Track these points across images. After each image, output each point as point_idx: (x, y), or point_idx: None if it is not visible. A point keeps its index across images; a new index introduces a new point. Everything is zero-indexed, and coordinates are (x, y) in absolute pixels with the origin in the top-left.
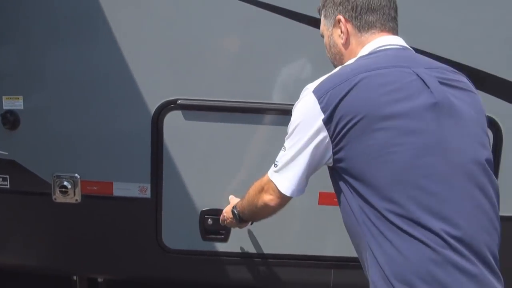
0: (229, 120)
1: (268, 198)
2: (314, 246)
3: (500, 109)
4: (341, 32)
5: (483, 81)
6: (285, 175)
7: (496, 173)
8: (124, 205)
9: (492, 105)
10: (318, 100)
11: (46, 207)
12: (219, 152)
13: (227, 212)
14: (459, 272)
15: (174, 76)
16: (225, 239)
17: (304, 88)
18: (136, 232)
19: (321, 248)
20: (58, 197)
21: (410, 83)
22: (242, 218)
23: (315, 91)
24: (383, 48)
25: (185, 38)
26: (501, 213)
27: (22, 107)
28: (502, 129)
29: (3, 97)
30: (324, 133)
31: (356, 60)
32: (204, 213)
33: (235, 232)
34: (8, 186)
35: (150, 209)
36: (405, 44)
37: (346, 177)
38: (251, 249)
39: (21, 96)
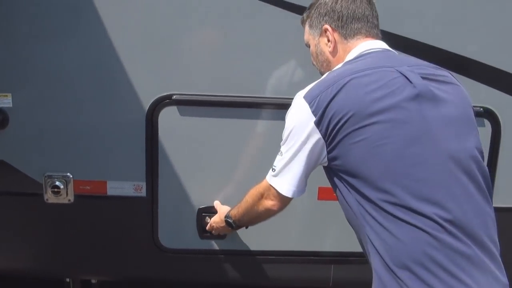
0: (226, 116)
1: (269, 203)
2: (313, 242)
3: (499, 100)
4: (328, 40)
5: (480, 71)
6: (284, 178)
7: (494, 164)
8: (119, 204)
9: (490, 96)
10: (309, 104)
11: (38, 208)
12: (216, 148)
13: (216, 222)
14: (454, 253)
15: (169, 70)
16: (223, 237)
17: (295, 96)
18: (132, 232)
19: (321, 243)
20: (50, 198)
21: (394, 80)
22: (238, 225)
23: (306, 97)
24: (368, 51)
25: (179, 31)
26: (502, 204)
27: (11, 105)
28: (500, 120)
29: None
30: (317, 135)
31: (343, 65)
32: (201, 211)
33: None
34: None
35: (146, 208)
36: (387, 47)
37: (341, 174)
38: (249, 246)
39: (10, 94)
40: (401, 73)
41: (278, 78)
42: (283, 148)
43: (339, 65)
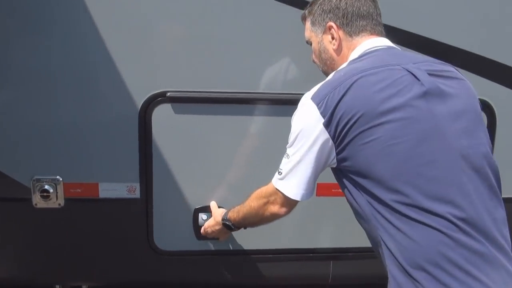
0: (223, 113)
1: (276, 208)
2: (312, 238)
3: (494, 93)
4: (333, 38)
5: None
6: (292, 181)
7: None
8: (112, 207)
9: (486, 88)
10: (317, 105)
11: (26, 214)
12: (212, 146)
13: (211, 226)
14: (468, 252)
15: (162, 67)
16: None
17: (302, 97)
18: (126, 234)
19: (319, 240)
20: (39, 202)
21: (401, 78)
22: (238, 227)
23: (314, 98)
24: (372, 49)
25: (173, 27)
26: None
27: None
28: (495, 112)
29: None
30: (326, 136)
31: (348, 64)
32: (197, 211)
33: None
34: None
35: (140, 209)
36: (392, 44)
37: (351, 175)
38: (247, 246)
39: None
40: (408, 71)
41: (274, 73)
42: (289, 151)
43: (344, 64)
